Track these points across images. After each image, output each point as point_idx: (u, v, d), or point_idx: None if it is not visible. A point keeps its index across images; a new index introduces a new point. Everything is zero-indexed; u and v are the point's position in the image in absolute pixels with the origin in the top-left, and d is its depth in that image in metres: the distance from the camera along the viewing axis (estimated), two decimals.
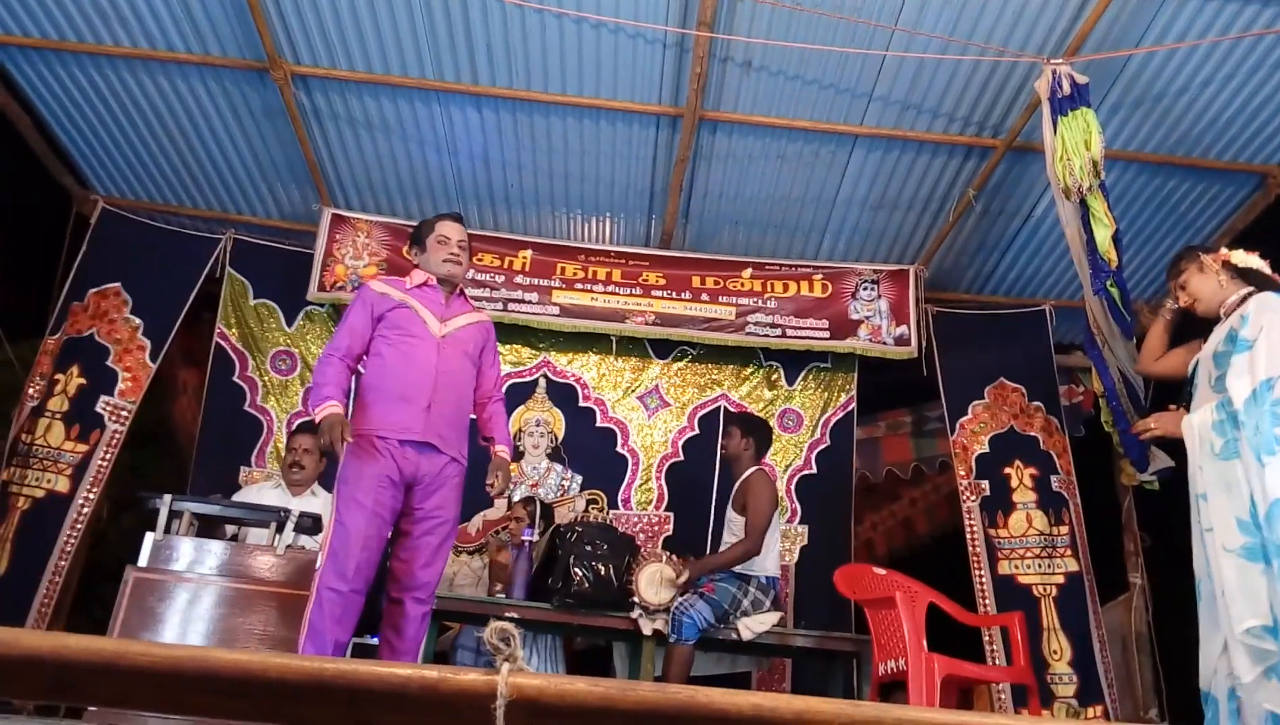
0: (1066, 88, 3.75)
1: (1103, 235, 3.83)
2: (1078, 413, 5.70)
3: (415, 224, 5.19)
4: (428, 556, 3.21)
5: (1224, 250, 3.07)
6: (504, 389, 5.17)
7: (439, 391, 3.21)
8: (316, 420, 3.09)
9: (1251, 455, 2.59)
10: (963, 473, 5.18)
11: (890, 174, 4.90)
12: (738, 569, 4.18)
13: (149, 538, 3.34)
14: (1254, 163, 4.62)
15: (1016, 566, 4.97)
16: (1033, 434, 5.22)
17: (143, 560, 3.31)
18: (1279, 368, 2.65)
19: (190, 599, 3.28)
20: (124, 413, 4.88)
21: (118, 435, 4.84)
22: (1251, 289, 2.93)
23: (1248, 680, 2.52)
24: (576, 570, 4.03)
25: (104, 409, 4.86)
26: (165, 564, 3.32)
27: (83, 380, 4.88)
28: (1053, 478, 5.12)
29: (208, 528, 3.59)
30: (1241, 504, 2.64)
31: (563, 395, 5.46)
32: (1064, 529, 5.00)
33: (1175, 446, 5.11)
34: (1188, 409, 3.03)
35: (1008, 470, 5.14)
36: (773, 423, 5.43)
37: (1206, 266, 3.05)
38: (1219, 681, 2.65)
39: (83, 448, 4.78)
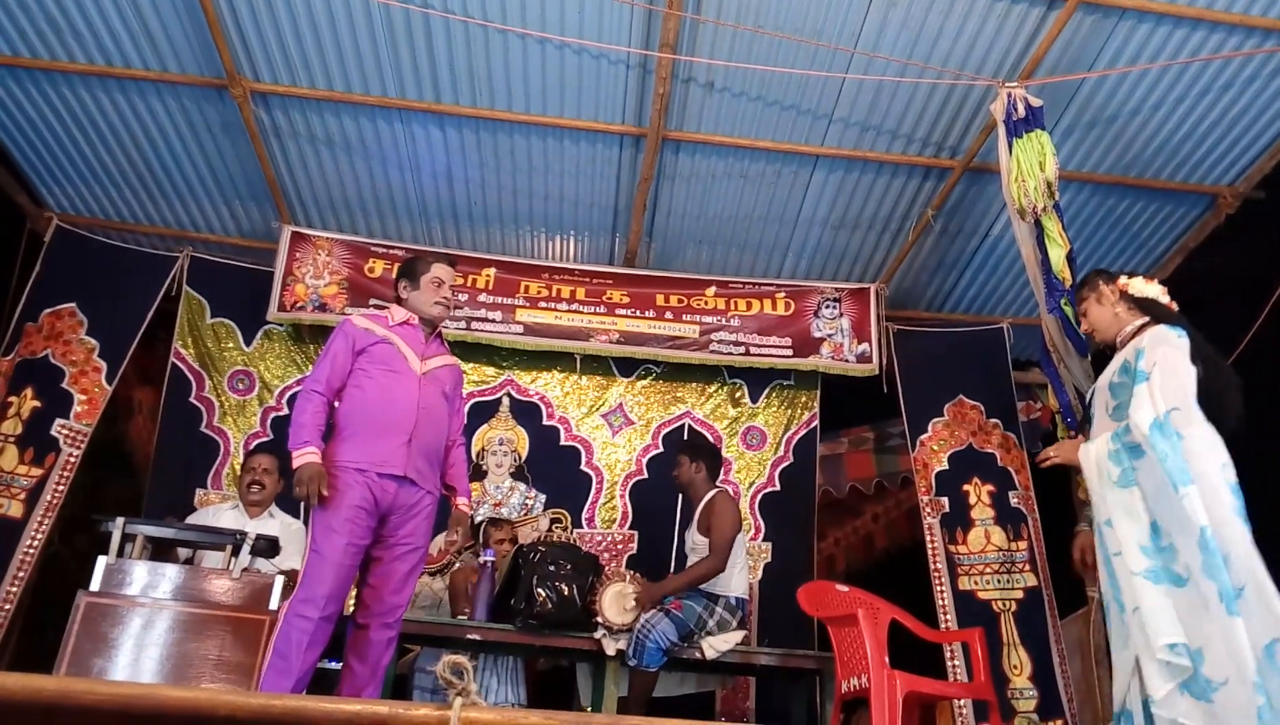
0: (1021, 110, 3.82)
1: (1057, 255, 3.90)
2: (1036, 428, 5.77)
3: (377, 241, 5.26)
4: (397, 583, 3.22)
5: (1123, 279, 3.13)
6: (468, 407, 5.17)
7: (420, 427, 3.24)
8: (294, 465, 3.09)
9: (1166, 482, 2.67)
10: (923, 489, 5.22)
11: (851, 194, 4.96)
12: (706, 588, 4.18)
13: (101, 561, 3.27)
14: (1204, 184, 4.74)
15: (976, 582, 5.01)
16: (990, 451, 5.28)
17: (95, 584, 3.24)
18: (1174, 399, 2.75)
19: (144, 624, 3.20)
20: (80, 436, 4.78)
21: (73, 459, 4.74)
22: (1147, 319, 3.02)
23: (1160, 696, 2.58)
24: (539, 591, 4.00)
25: (59, 432, 4.75)
26: (118, 588, 3.25)
27: (37, 403, 4.78)
28: (1011, 494, 5.18)
29: (162, 551, 3.52)
30: (1142, 530, 2.75)
31: (526, 414, 5.44)
32: (1023, 544, 5.06)
33: None
34: (1087, 437, 3.10)
35: (966, 487, 5.19)
36: (736, 440, 5.45)
37: (1104, 297, 3.14)
38: (1133, 698, 2.71)
39: (37, 472, 4.67)
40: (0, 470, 4.63)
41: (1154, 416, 2.74)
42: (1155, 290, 3.11)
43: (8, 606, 4.42)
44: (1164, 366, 2.81)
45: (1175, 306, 3.10)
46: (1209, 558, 2.55)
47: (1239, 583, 2.54)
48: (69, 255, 5.09)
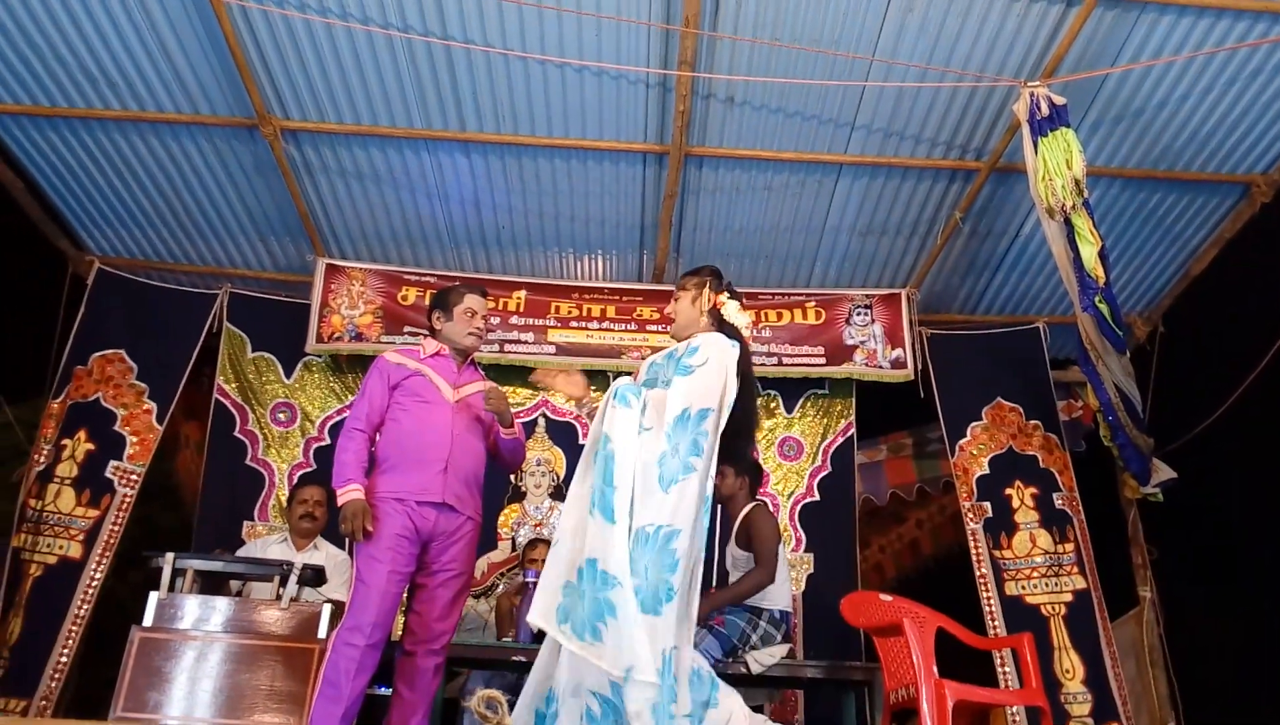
0: (1045, 109, 3.80)
1: (1089, 253, 3.87)
2: (1078, 428, 5.70)
3: (409, 270, 5.33)
4: (443, 609, 3.27)
5: (724, 296, 3.06)
6: None
7: (455, 453, 3.30)
8: (339, 503, 3.17)
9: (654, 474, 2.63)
10: (965, 495, 5.17)
11: (877, 200, 4.95)
12: (750, 602, 4.15)
13: (153, 597, 3.35)
14: (1236, 173, 4.67)
15: (1023, 587, 4.94)
16: (1031, 453, 5.22)
17: (148, 620, 3.32)
18: (714, 402, 2.72)
19: (197, 657, 3.28)
20: (134, 477, 4.90)
21: (128, 499, 4.86)
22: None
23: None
24: None
25: (113, 474, 4.88)
26: (171, 623, 3.33)
27: (91, 445, 4.90)
28: (1055, 495, 5.11)
29: (212, 584, 3.59)
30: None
31: (563, 434, 5.47)
32: (1069, 546, 4.99)
33: (1177, 459, 5.14)
34: None
35: (1009, 491, 5.13)
36: (773, 451, 5.43)
37: (701, 300, 3.05)
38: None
39: (94, 513, 4.79)
40: (59, 512, 4.75)
41: (683, 408, 2.69)
42: (744, 321, 3.06)
43: (70, 645, 4.53)
44: (711, 368, 2.77)
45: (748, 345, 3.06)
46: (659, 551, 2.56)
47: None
48: (112, 297, 5.22)
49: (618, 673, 2.45)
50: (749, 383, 2.93)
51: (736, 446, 2.89)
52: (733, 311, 3.06)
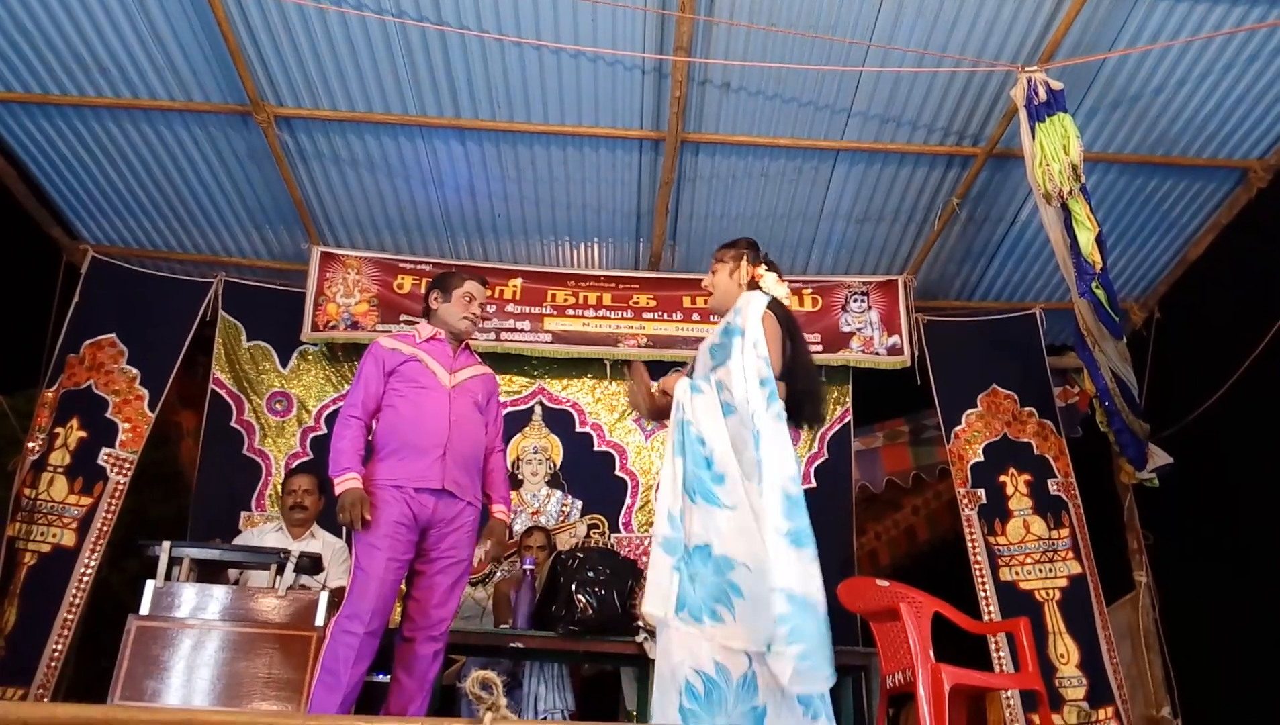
0: (1042, 94, 3.79)
1: (1085, 238, 3.86)
2: (1074, 413, 5.71)
3: (404, 258, 5.32)
4: (441, 595, 3.27)
5: (762, 268, 3.02)
6: (501, 417, 5.21)
7: (453, 439, 3.29)
8: (336, 492, 3.16)
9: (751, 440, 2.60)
10: (960, 481, 5.18)
11: (874, 186, 4.93)
12: None
13: (150, 585, 3.35)
14: (1233, 158, 4.66)
15: (1017, 573, 4.96)
16: (1025, 440, 5.23)
17: (145, 608, 3.32)
18: (766, 370, 2.71)
19: (194, 645, 3.28)
20: (126, 464, 4.89)
21: (120, 486, 4.84)
22: None
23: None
24: (579, 597, 4.01)
25: (105, 461, 4.86)
26: (167, 611, 3.33)
27: (83, 433, 4.89)
28: (1050, 482, 5.11)
29: (209, 572, 3.59)
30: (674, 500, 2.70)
31: (559, 421, 5.47)
32: (1064, 532, 5.00)
33: (1173, 444, 5.15)
34: None
35: (1003, 478, 5.14)
36: None
37: (739, 272, 3.02)
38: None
39: (86, 501, 4.78)
40: (51, 500, 4.74)
41: (758, 377, 2.68)
42: (783, 291, 3.01)
43: (65, 633, 4.52)
44: (765, 332, 2.76)
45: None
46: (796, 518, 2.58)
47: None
48: (106, 286, 5.18)
49: (757, 648, 2.49)
50: (801, 343, 2.90)
51: (805, 413, 2.87)
52: (771, 283, 3.01)
